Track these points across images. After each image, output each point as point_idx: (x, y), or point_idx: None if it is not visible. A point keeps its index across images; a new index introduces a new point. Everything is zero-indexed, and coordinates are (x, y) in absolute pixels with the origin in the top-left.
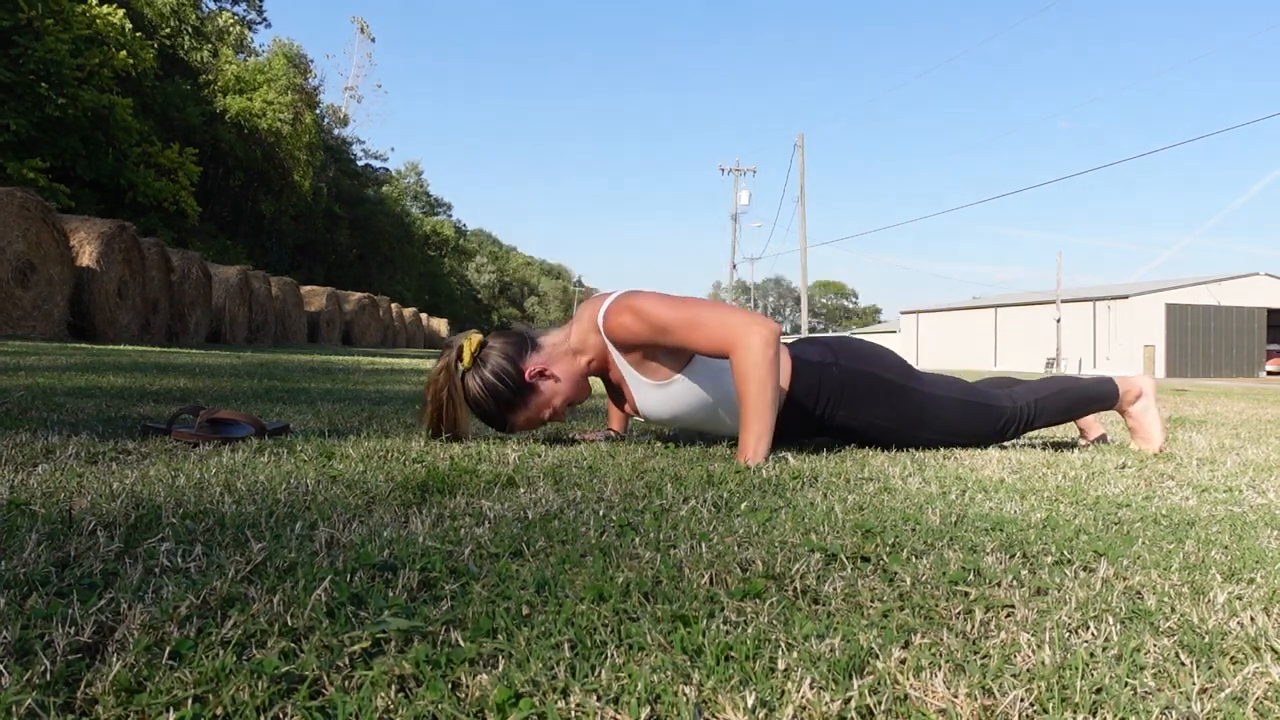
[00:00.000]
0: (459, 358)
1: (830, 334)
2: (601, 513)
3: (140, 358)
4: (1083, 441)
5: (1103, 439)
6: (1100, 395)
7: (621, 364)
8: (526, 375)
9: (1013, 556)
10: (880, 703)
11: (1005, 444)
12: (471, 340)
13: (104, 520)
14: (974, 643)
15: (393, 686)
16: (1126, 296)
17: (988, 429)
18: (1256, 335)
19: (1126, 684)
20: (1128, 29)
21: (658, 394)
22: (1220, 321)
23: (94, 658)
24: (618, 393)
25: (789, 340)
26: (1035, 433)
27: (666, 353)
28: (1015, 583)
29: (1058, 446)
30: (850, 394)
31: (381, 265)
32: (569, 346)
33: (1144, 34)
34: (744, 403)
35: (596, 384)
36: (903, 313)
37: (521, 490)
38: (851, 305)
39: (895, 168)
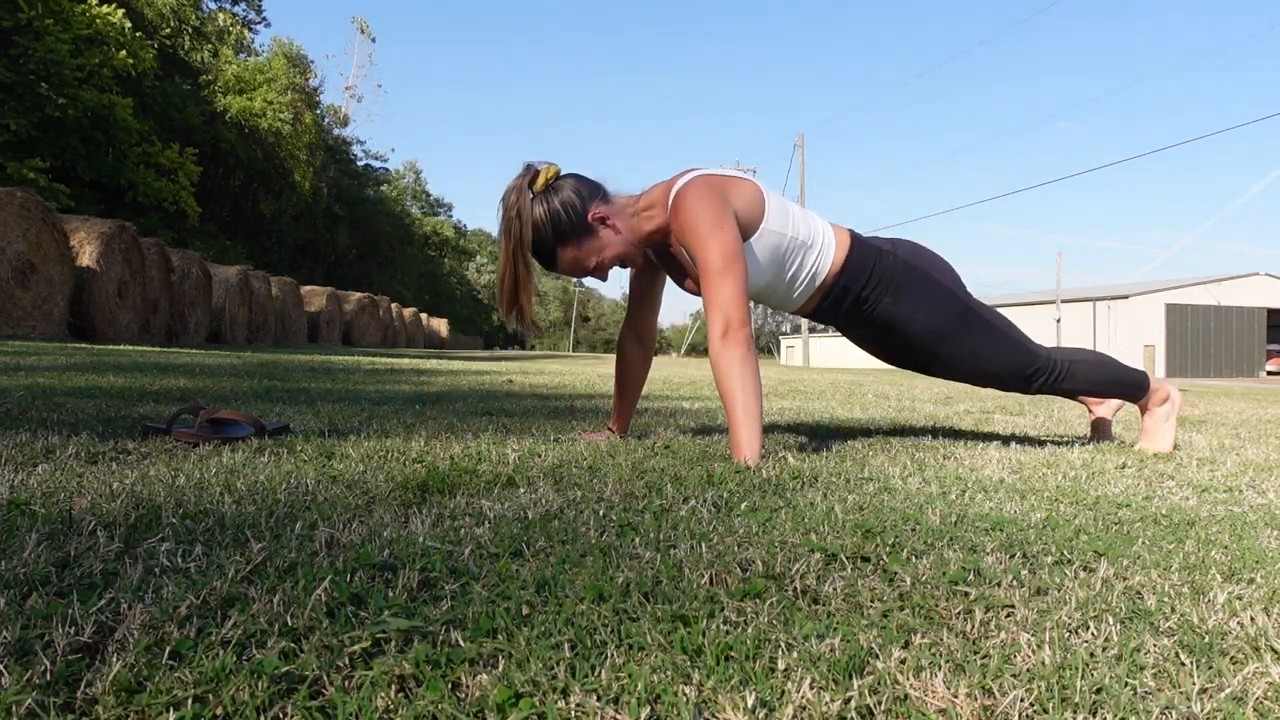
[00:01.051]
0: (532, 181)
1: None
2: (601, 513)
3: (140, 358)
4: (1089, 416)
5: (1106, 428)
6: (1132, 381)
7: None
8: (590, 216)
9: (1013, 556)
10: (880, 703)
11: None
12: (549, 169)
13: (104, 520)
14: (974, 643)
15: (393, 686)
16: (1126, 296)
17: (1017, 368)
18: (1256, 335)
19: (1126, 684)
20: (1128, 29)
21: None
22: (1220, 321)
23: (94, 658)
24: (677, 268)
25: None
26: (1035, 432)
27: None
28: (1015, 583)
29: (1058, 446)
30: (899, 282)
31: (381, 265)
32: (636, 208)
33: (1144, 34)
34: (727, 403)
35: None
36: None
37: (521, 490)
38: None
39: (895, 167)
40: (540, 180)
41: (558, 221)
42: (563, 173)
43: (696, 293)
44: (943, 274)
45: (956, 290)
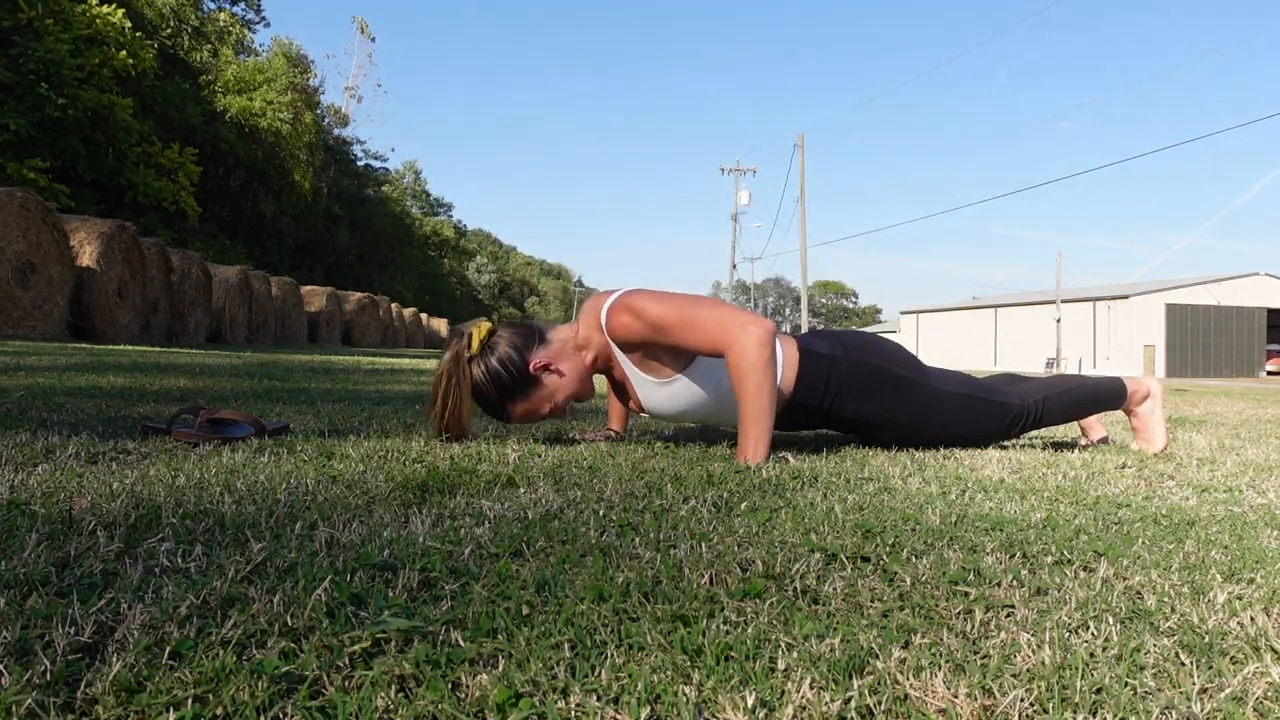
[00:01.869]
0: (468, 344)
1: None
2: (601, 513)
3: (140, 358)
4: (1084, 441)
5: (1104, 440)
6: (1108, 394)
7: (624, 362)
8: (532, 368)
9: (1013, 556)
10: (880, 703)
11: (1008, 443)
12: (481, 328)
13: (104, 520)
14: (974, 643)
15: (393, 686)
16: (1126, 296)
17: (994, 425)
18: (1256, 335)
19: (1126, 684)
20: (1128, 29)
21: (661, 391)
22: (1220, 321)
23: (94, 658)
24: (622, 390)
25: (796, 334)
26: (1036, 432)
27: (667, 351)
28: (1015, 583)
29: (1058, 446)
30: (858, 386)
31: (381, 265)
32: (575, 343)
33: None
34: (741, 404)
35: (599, 382)
36: (903, 313)
37: (521, 490)
38: (851, 305)
39: (895, 167)
40: (474, 342)
41: (499, 381)
42: (495, 326)
43: (641, 410)
44: (896, 362)
45: (914, 374)
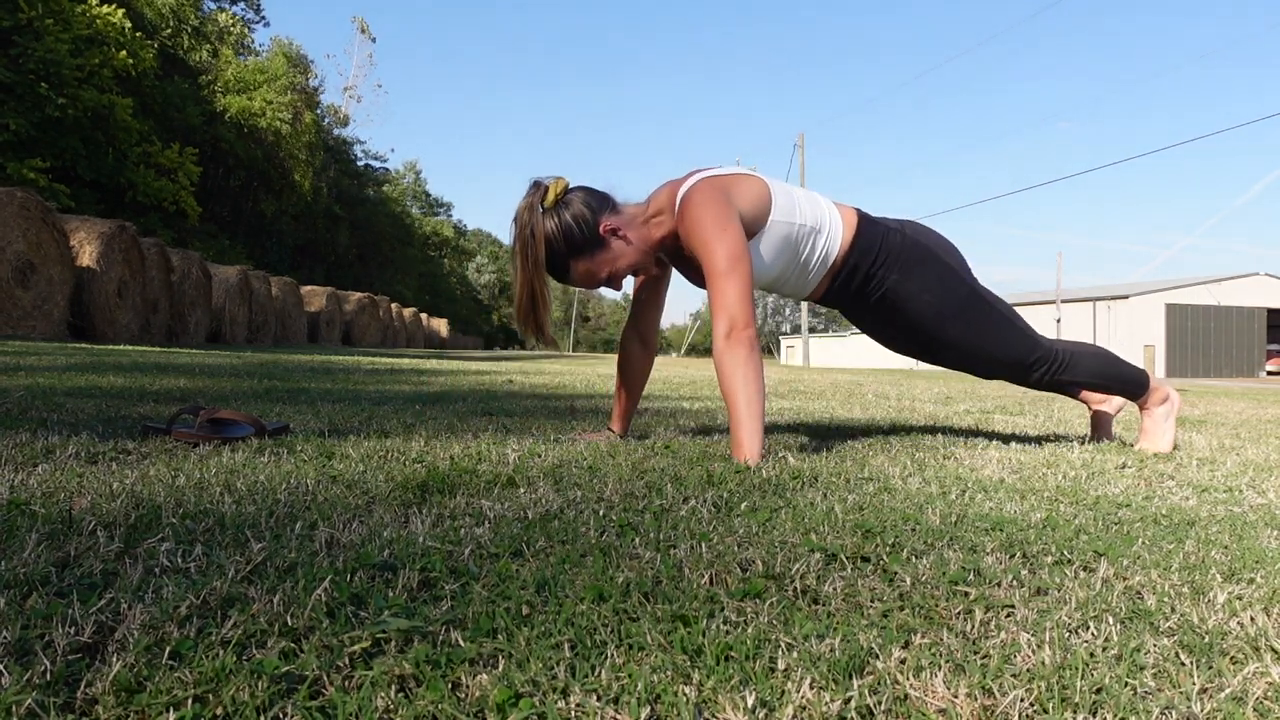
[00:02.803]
0: (542, 198)
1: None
2: (601, 513)
3: (140, 358)
4: (1087, 411)
5: (1106, 425)
6: (1133, 378)
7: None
8: (602, 229)
9: (1013, 556)
10: (880, 703)
11: (1032, 382)
12: (558, 183)
13: (104, 520)
14: (974, 643)
15: (393, 686)
16: (1126, 296)
17: (1020, 355)
18: (1256, 335)
19: (1126, 684)
20: (1128, 29)
21: None
22: (1220, 321)
23: (94, 658)
24: (693, 270)
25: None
26: (1035, 432)
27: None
28: (1015, 583)
29: (1058, 446)
30: (906, 259)
31: (381, 265)
32: (644, 217)
33: (1144, 34)
34: (729, 402)
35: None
36: None
37: (521, 490)
38: None
39: (895, 167)
40: (550, 195)
41: (570, 235)
42: (571, 185)
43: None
44: (950, 255)
45: (963, 272)
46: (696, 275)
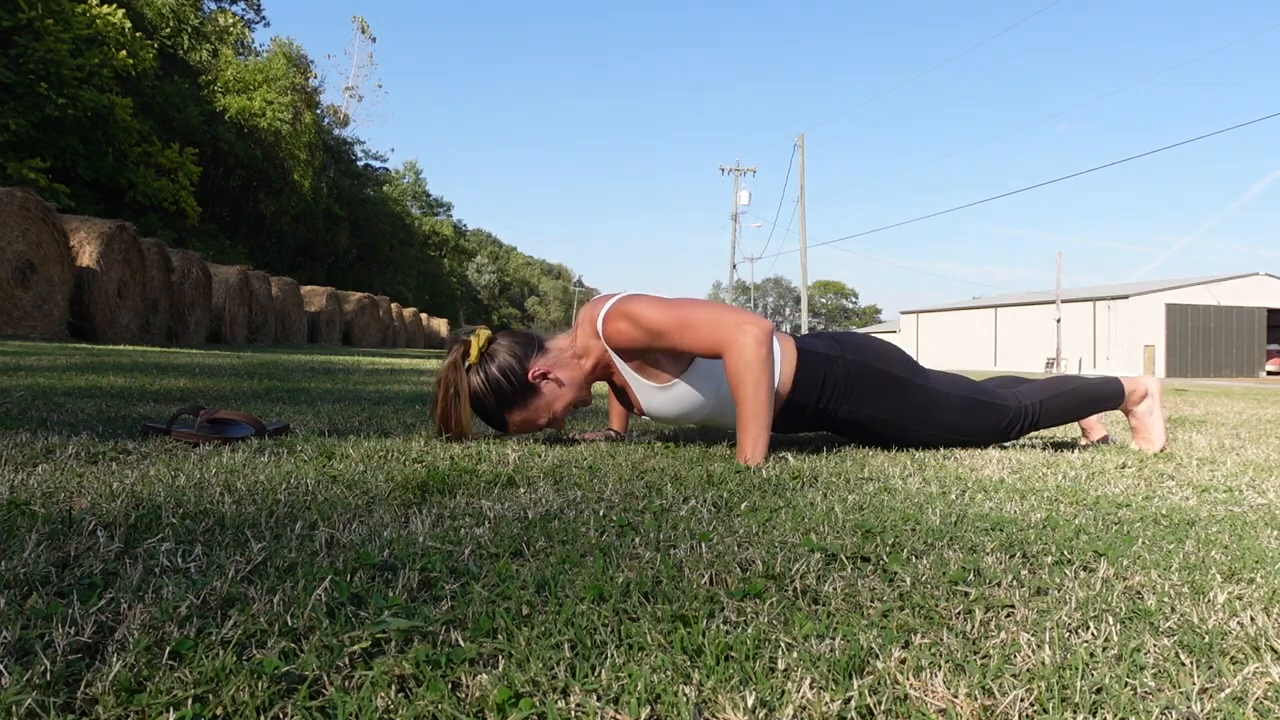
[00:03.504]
0: (466, 353)
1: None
2: (601, 513)
3: (140, 358)
4: (1084, 441)
5: (1105, 440)
6: (1106, 395)
7: (623, 368)
8: (530, 375)
9: (1013, 556)
10: (880, 703)
11: (1008, 444)
12: (480, 336)
13: (104, 520)
14: (974, 643)
15: (393, 686)
16: (1126, 296)
17: (991, 428)
18: (1256, 335)
19: (1126, 684)
20: (1127, 29)
21: (661, 395)
22: (1220, 321)
23: (94, 658)
24: (623, 394)
25: (795, 334)
26: (1036, 433)
27: (666, 355)
28: (1015, 583)
29: (1058, 446)
30: (855, 387)
31: (381, 265)
32: (573, 351)
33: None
34: (739, 404)
35: (598, 388)
36: (903, 313)
37: (521, 490)
38: (851, 305)
39: (895, 168)
40: (474, 351)
41: (499, 389)
42: (492, 335)
43: (643, 413)
44: (893, 363)
45: (911, 377)
46: (627, 402)
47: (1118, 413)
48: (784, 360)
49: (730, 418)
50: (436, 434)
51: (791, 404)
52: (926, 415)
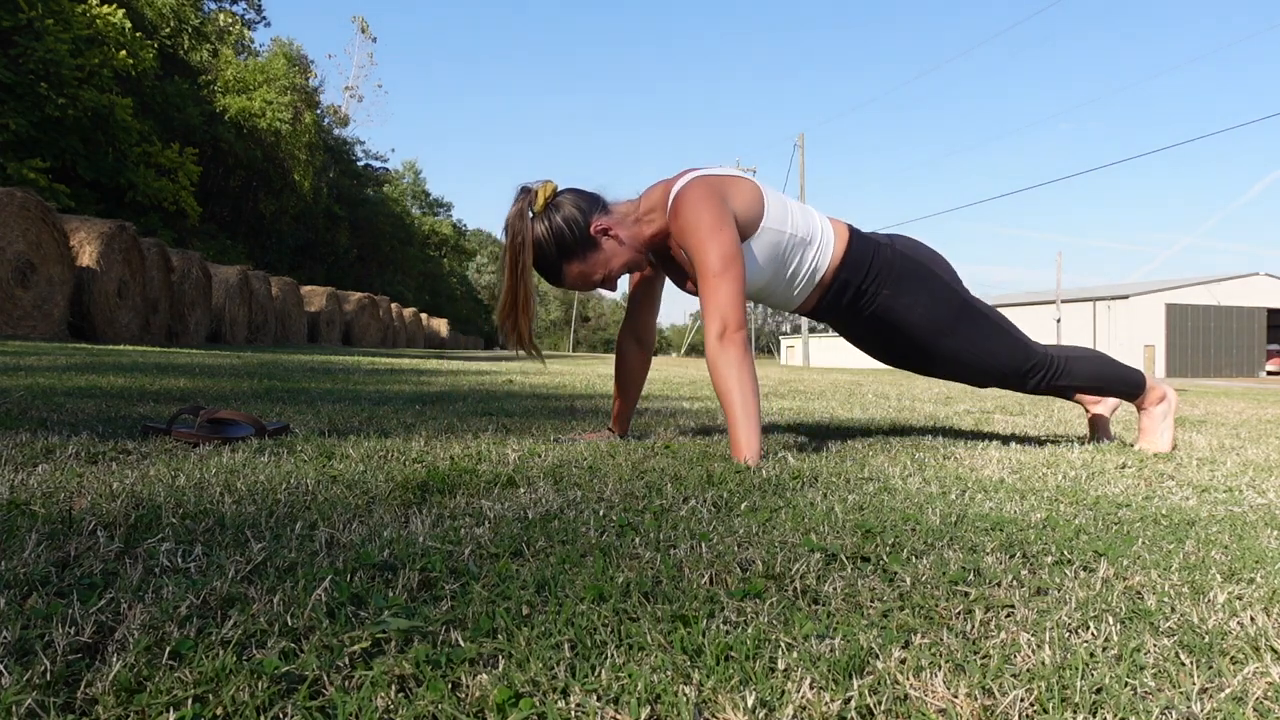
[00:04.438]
0: (531, 202)
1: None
2: (601, 513)
3: (140, 358)
4: (1086, 413)
5: (1104, 426)
6: (1129, 379)
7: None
8: (593, 229)
9: (1013, 556)
10: (880, 703)
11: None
12: (546, 187)
13: (104, 520)
14: (974, 643)
15: (393, 686)
16: (1126, 296)
17: (1015, 364)
18: (1256, 335)
19: (1126, 684)
20: (1128, 29)
21: None
22: (1220, 321)
23: (94, 658)
24: (671, 267)
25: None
26: (1035, 432)
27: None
28: (1015, 583)
29: (1058, 446)
30: (898, 275)
31: (382, 265)
32: (636, 215)
33: (1144, 34)
34: (725, 403)
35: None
36: None
37: (521, 490)
38: None
39: (895, 167)
40: (539, 200)
41: (561, 238)
42: (559, 188)
43: (695, 294)
44: (941, 268)
45: (954, 284)
46: (680, 277)
47: (1123, 415)
48: (836, 238)
49: (779, 297)
50: (504, 315)
51: (837, 281)
52: (959, 326)
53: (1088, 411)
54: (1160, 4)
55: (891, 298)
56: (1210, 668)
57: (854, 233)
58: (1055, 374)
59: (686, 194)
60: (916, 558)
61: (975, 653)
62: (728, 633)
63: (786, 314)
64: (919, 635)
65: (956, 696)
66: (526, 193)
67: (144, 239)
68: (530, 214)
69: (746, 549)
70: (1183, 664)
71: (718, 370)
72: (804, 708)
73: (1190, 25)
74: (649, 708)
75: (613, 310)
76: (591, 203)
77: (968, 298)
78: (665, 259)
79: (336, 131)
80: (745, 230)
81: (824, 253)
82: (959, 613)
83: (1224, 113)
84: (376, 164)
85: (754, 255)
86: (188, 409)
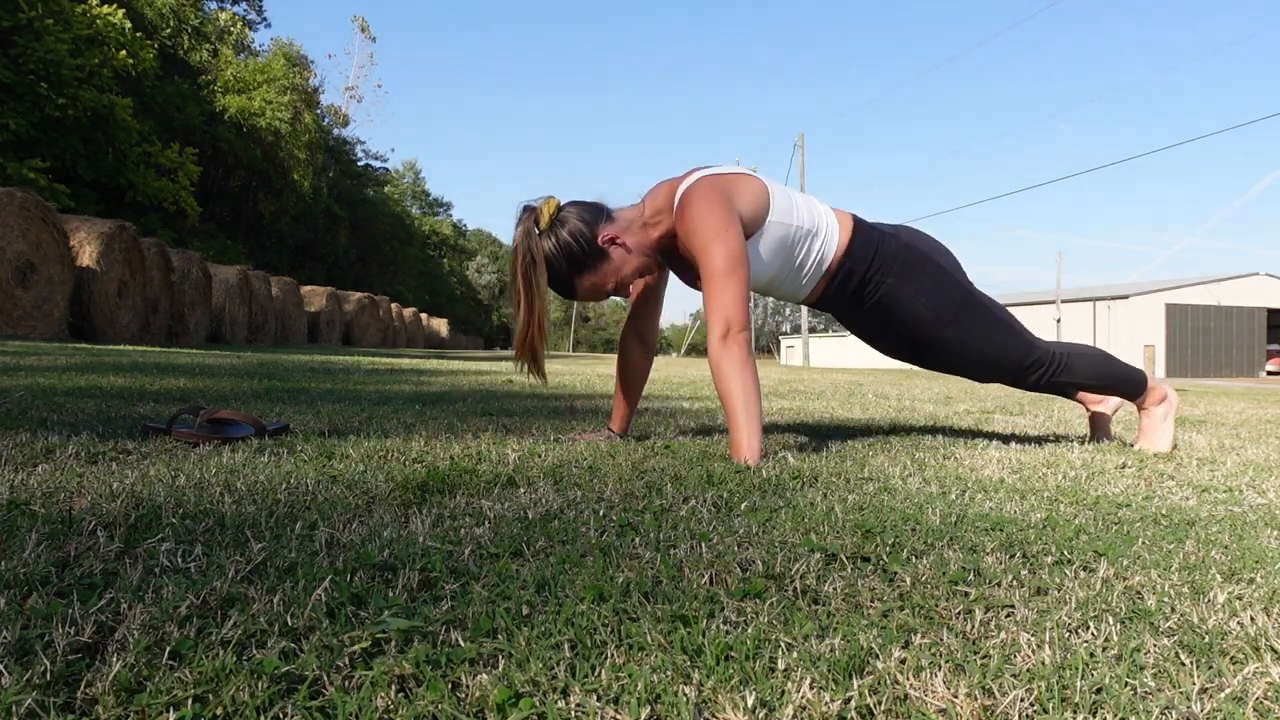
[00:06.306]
0: (536, 221)
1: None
2: (601, 513)
3: (140, 358)
4: (1086, 412)
5: (1104, 425)
6: (1130, 378)
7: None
8: (600, 240)
9: (1013, 556)
10: (880, 703)
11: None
12: (549, 204)
13: (104, 520)
14: (974, 643)
15: (393, 686)
16: (1126, 296)
17: (1017, 360)
18: (1256, 335)
19: (1126, 684)
20: (1128, 29)
21: None
22: (1220, 321)
23: (94, 658)
24: (678, 265)
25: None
26: (1035, 432)
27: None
28: (1015, 583)
29: (1058, 446)
30: (902, 264)
31: (382, 265)
32: (642, 220)
33: (1144, 34)
34: (727, 404)
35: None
36: None
37: (521, 490)
38: None
39: (895, 167)
40: (544, 217)
41: (570, 253)
42: (562, 203)
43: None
44: (945, 260)
45: (959, 276)
46: (689, 274)
47: (1123, 415)
48: (840, 229)
49: (788, 288)
50: (520, 341)
51: (843, 270)
52: (962, 317)
53: (1089, 410)
54: (1160, 4)
55: (896, 287)
56: (1210, 668)
57: (859, 222)
58: (1057, 370)
59: (692, 194)
60: (916, 558)
61: (975, 653)
62: (728, 633)
63: (790, 308)
64: (919, 635)
65: (956, 696)
66: (530, 211)
67: (144, 239)
68: (537, 231)
69: (746, 549)
70: (1183, 664)
71: (720, 370)
72: (804, 708)
73: (1190, 25)
74: (649, 708)
75: (612, 310)
76: (596, 213)
77: (972, 290)
78: (673, 258)
79: (336, 131)
80: (751, 226)
81: (829, 242)
82: (959, 613)
83: (1224, 113)
84: (376, 164)
85: (762, 249)
86: (188, 409)
